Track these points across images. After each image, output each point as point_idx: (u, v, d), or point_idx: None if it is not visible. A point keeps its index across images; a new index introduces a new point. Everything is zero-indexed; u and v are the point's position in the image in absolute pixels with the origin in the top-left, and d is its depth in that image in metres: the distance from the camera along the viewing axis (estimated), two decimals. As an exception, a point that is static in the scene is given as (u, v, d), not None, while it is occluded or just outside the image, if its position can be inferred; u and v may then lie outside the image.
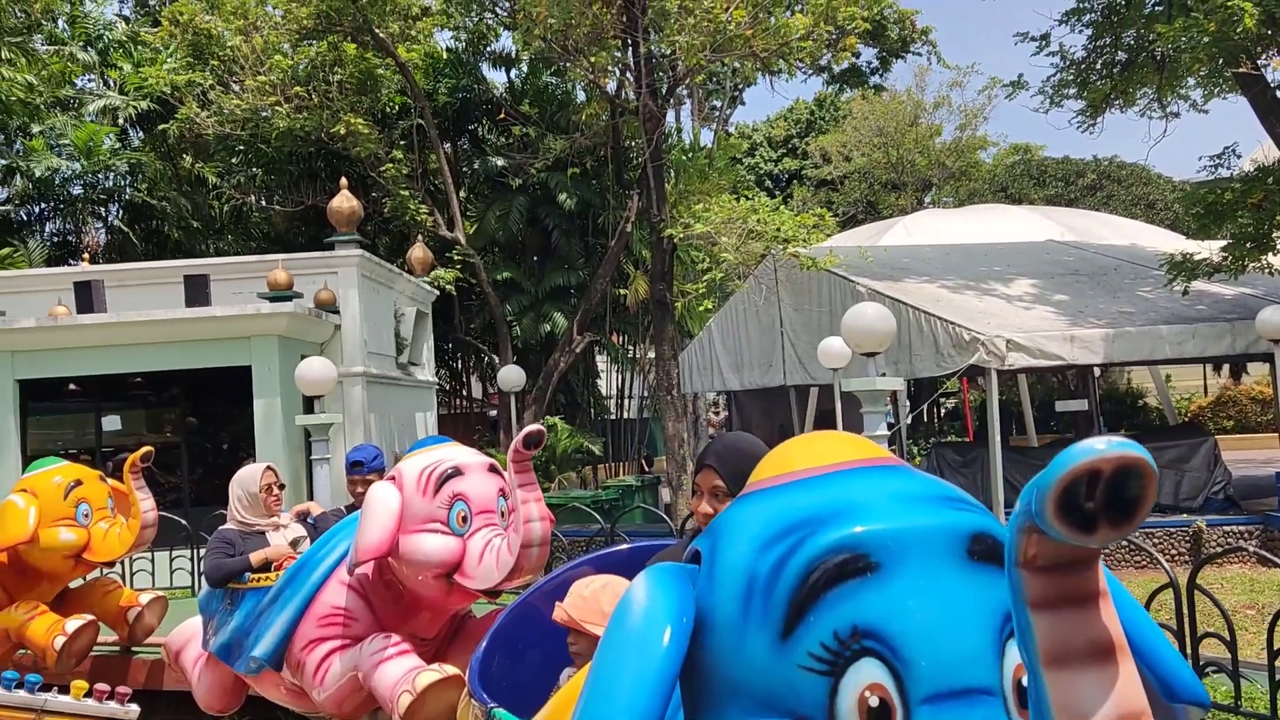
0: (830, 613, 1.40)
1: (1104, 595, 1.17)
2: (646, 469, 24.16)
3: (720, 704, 1.49)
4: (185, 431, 12.21)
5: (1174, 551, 12.24)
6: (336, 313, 12.96)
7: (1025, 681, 1.42)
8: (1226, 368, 29.67)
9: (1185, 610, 4.81)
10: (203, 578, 5.16)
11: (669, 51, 14.01)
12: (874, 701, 1.37)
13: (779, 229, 12.23)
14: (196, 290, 11.56)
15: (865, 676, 1.38)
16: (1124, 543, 10.43)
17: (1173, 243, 17.20)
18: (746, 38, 13.30)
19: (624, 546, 3.04)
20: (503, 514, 4.23)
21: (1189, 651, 4.77)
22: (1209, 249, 13.51)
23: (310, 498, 10.02)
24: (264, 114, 16.81)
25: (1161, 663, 1.60)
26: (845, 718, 1.38)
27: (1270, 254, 12.73)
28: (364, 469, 5.17)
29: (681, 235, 12.85)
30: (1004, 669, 1.41)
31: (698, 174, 17.75)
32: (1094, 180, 33.27)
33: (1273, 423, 18.28)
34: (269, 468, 5.08)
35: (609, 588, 2.46)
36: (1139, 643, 1.23)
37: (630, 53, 14.54)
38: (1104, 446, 1.07)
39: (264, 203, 19.59)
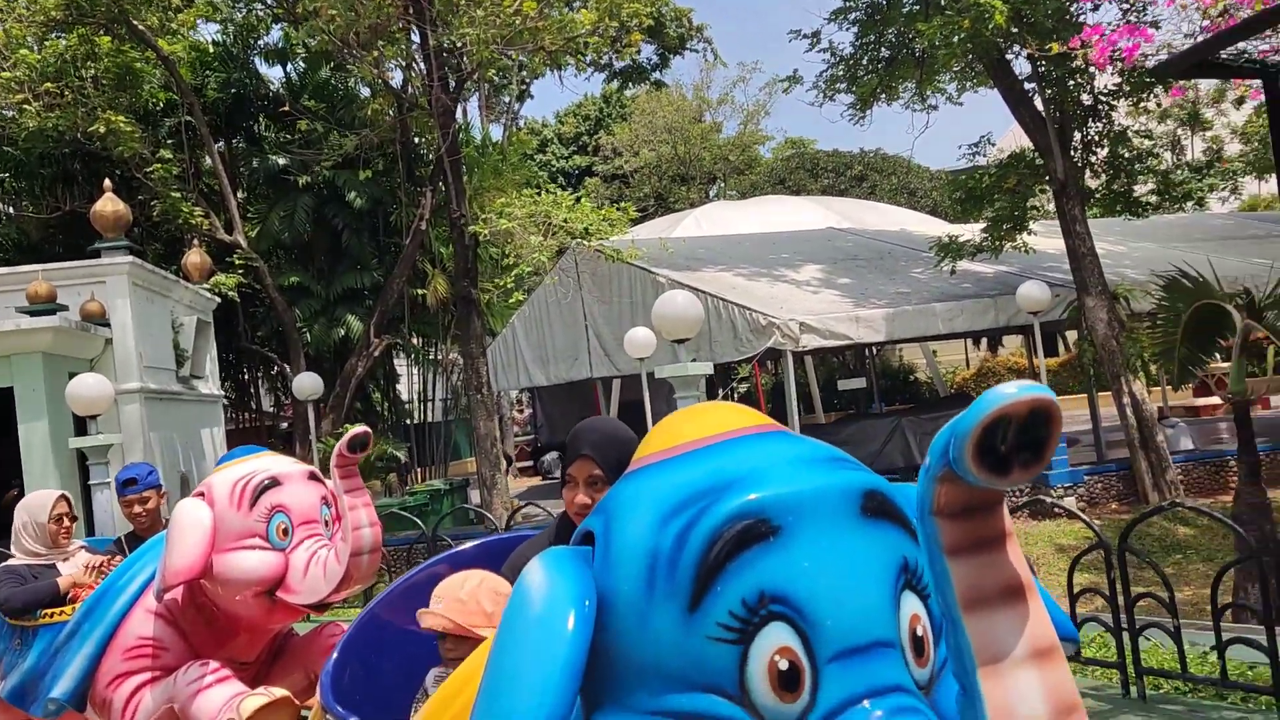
0: (737, 581, 1.39)
1: (1010, 536, 1.22)
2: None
3: (627, 687, 1.46)
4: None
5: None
6: (107, 325, 11.98)
7: (919, 632, 1.47)
8: (985, 341, 32.23)
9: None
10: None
11: (458, 44, 13.77)
12: (784, 665, 1.38)
13: (582, 223, 12.27)
14: (-59, 306, 10.40)
15: (774, 641, 1.38)
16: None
17: (936, 227, 18.49)
18: (535, 30, 13.26)
19: (470, 545, 2.94)
20: (327, 523, 4.03)
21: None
22: (971, 231, 14.62)
23: (90, 526, 9.22)
24: (9, 113, 15.33)
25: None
26: (756, 684, 1.38)
27: (1025, 233, 13.90)
28: (139, 486, 4.79)
29: (486, 232, 12.67)
30: (900, 621, 1.45)
31: (491, 170, 17.55)
32: (861, 171, 35.29)
33: (1030, 390, 19.95)
34: (62, 496, 4.63)
35: (485, 584, 2.36)
36: None
37: (419, 46, 14.21)
38: (1015, 391, 1.10)
39: (12, 210, 17.85)
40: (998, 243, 13.99)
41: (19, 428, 10.50)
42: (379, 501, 16.20)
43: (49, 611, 4.20)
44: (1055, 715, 1.14)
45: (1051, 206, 14.27)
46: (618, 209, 13.13)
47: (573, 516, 2.38)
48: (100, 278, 12.20)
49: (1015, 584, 1.19)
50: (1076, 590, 4.91)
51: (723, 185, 35.62)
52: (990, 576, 1.18)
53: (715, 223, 21.05)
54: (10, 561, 4.43)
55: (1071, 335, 17.94)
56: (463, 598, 2.32)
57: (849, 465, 1.54)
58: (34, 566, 4.36)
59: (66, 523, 4.58)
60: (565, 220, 12.13)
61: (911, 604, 1.47)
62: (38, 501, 4.60)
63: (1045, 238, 15.23)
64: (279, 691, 3.88)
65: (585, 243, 12.83)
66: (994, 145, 16.06)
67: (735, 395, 26.89)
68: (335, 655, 2.63)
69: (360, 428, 3.58)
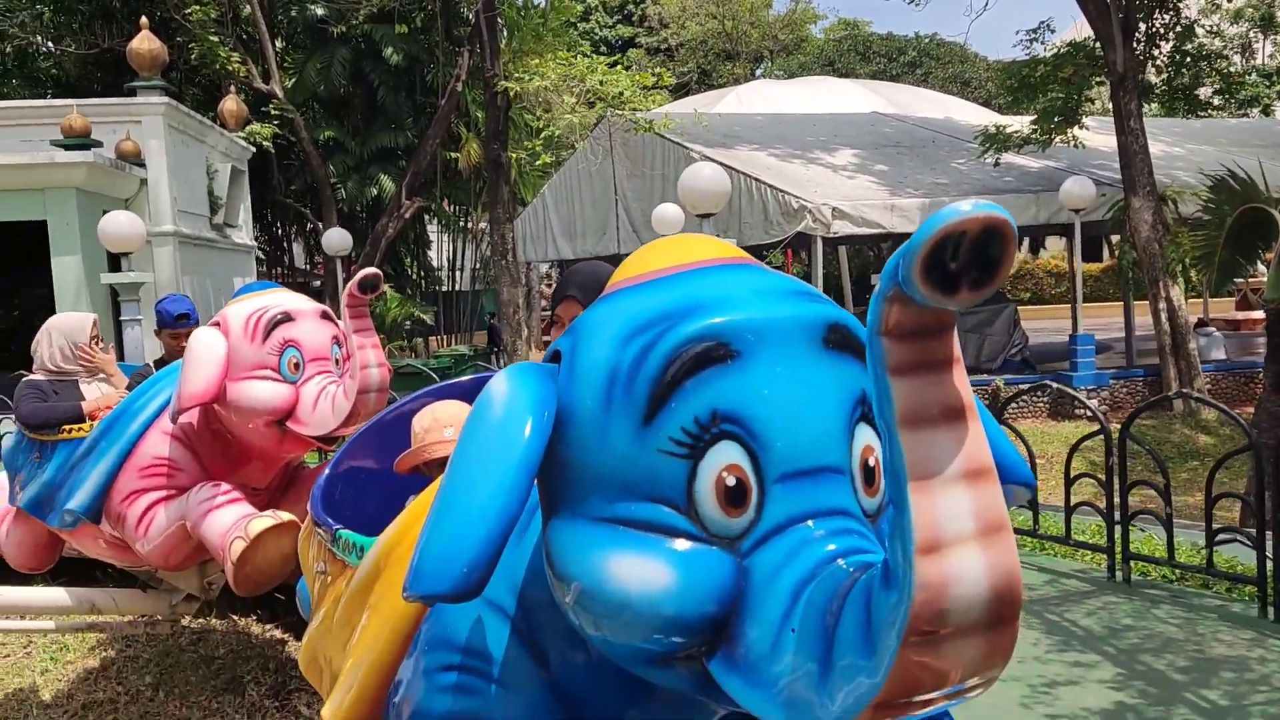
0: (691, 399, 1.41)
1: (957, 362, 1.21)
2: (495, 344, 23.95)
3: (583, 496, 1.50)
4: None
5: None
6: (142, 166, 12.03)
7: (870, 462, 1.49)
8: (1027, 242, 31.65)
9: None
10: (5, 438, 4.82)
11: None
12: (731, 481, 1.41)
13: (616, 89, 11.96)
14: (-23, 136, 10.45)
15: (723, 458, 1.41)
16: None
17: (985, 118, 17.96)
18: (583, -115, 12.75)
19: (466, 378, 2.96)
20: (337, 362, 4.10)
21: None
22: (1020, 123, 14.19)
23: (121, 361, 9.46)
24: (48, -56, 15.10)
25: (995, 448, 1.69)
26: (703, 498, 1.41)
27: (1076, 127, 13.47)
28: (191, 321, 4.89)
29: (517, 90, 12.42)
30: (853, 450, 1.47)
31: (531, 34, 17.15)
32: (915, 57, 34.18)
33: (1066, 295, 19.71)
34: (94, 319, 4.76)
35: None
36: None
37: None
38: (969, 208, 1.09)
39: (52, 45, 17.73)
40: (1047, 135, 13.57)
41: (52, 261, 10.67)
42: (404, 361, 16.46)
43: (68, 428, 4.34)
44: (982, 532, 1.16)
45: (1109, 103, 13.79)
46: (654, 76, 12.72)
47: None
48: (136, 117, 12.18)
49: (957, 405, 1.19)
50: (1072, 475, 4.96)
51: (769, 64, 34.64)
52: (932, 396, 1.18)
53: (758, 101, 20.53)
54: (32, 377, 4.55)
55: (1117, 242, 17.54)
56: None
57: (816, 299, 1.55)
58: (55, 383, 4.49)
59: (100, 344, 4.70)
60: (600, 84, 11.83)
61: (866, 435, 1.49)
62: (75, 322, 4.68)
63: (1097, 133, 14.77)
64: (286, 515, 4.03)
65: (619, 111, 12.54)
66: (1053, 32, 15.43)
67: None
68: (326, 472, 2.72)
69: (370, 269, 3.60)
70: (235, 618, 5.84)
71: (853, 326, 1.51)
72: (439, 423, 2.45)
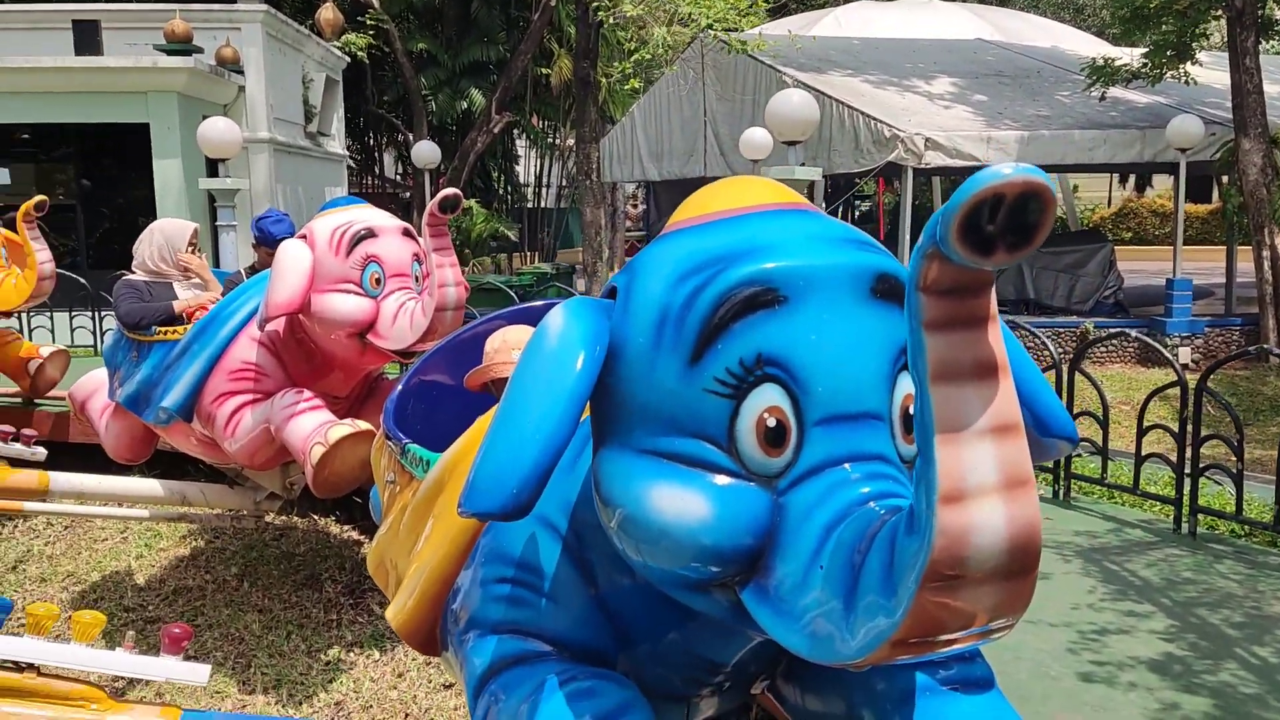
0: (737, 341, 1.46)
1: (993, 319, 1.24)
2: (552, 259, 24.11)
3: (630, 427, 1.56)
4: (80, 193, 11.66)
5: (1061, 351, 12.92)
6: (240, 72, 12.27)
7: (912, 410, 1.53)
8: (1132, 180, 30.38)
9: (1065, 392, 5.20)
10: (107, 335, 5.09)
11: None
12: (771, 423, 1.45)
13: (710, 15, 11.64)
14: (86, 37, 10.74)
15: (765, 400, 1.45)
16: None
17: (1094, 48, 17.16)
18: None
19: (540, 303, 3.03)
20: (417, 279, 4.22)
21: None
22: (1130, 56, 13.56)
23: (216, 266, 9.80)
24: None
25: (1038, 402, 1.71)
26: (744, 437, 1.47)
27: (1189, 63, 12.83)
28: None
29: (610, 17, 12.21)
30: (894, 398, 1.50)
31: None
32: (1027, -19, 32.64)
33: (1170, 236, 18.97)
34: (197, 229, 4.96)
35: None
36: (1019, 382, 1.31)
37: None
38: (1010, 171, 1.10)
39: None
40: (1157, 70, 12.95)
41: (154, 164, 11.03)
42: (484, 277, 16.69)
43: (163, 329, 4.56)
44: (1005, 485, 1.19)
45: (1225, 38, 13.07)
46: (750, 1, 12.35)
47: None
48: (236, 24, 12.40)
49: (989, 362, 1.21)
50: (1150, 425, 4.89)
51: (872, -16, 33.41)
52: (965, 353, 1.20)
53: (857, 23, 19.91)
54: (130, 276, 4.78)
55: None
56: None
57: (868, 247, 1.57)
58: (152, 284, 4.71)
59: (196, 251, 4.91)
60: (690, 14, 11.55)
61: (909, 384, 1.52)
62: (176, 228, 4.89)
63: (1210, 69, 14.04)
64: (363, 424, 4.20)
65: (713, 32, 12.26)
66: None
67: (855, 212, 26.17)
68: (399, 388, 2.83)
69: (451, 189, 3.68)
70: (315, 517, 6.13)
71: (902, 276, 1.53)
72: (508, 345, 2.54)
